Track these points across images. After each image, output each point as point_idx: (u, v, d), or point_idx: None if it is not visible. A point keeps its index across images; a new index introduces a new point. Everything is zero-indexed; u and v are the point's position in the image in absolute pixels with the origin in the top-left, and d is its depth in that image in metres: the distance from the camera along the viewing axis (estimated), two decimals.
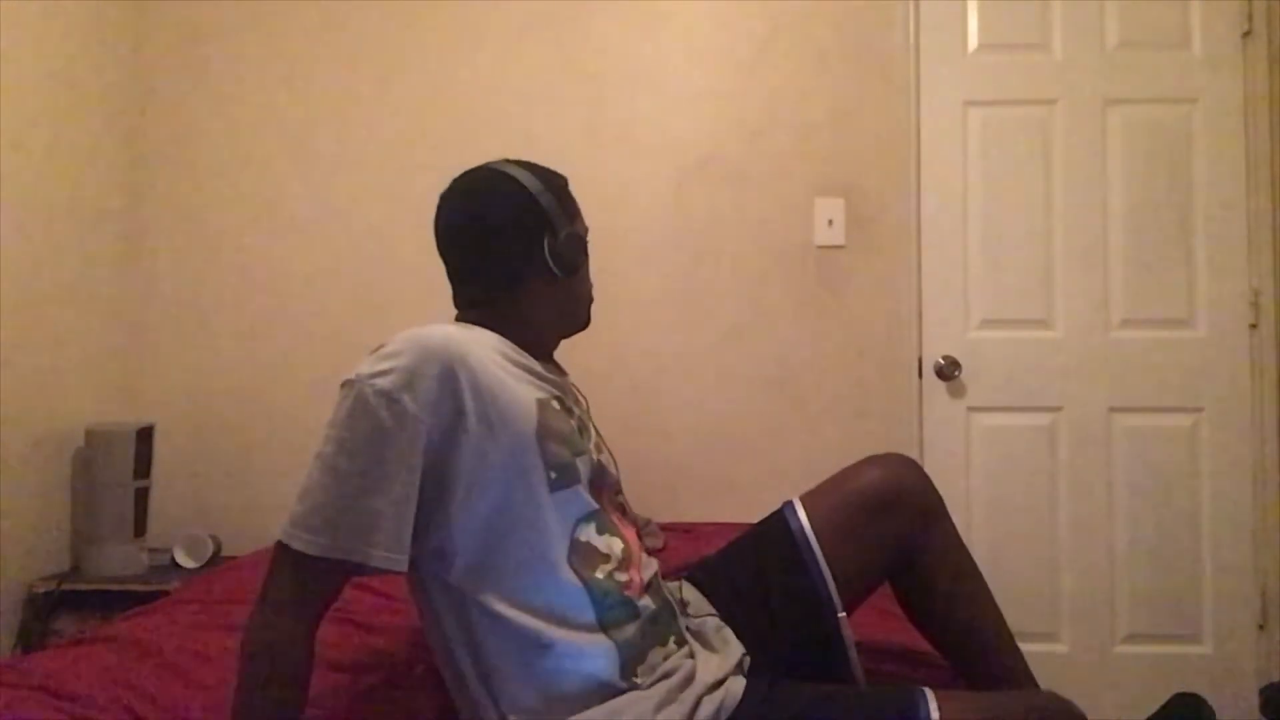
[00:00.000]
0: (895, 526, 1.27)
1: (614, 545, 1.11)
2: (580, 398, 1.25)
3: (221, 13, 2.56)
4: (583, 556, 1.07)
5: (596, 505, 1.11)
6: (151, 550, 2.31)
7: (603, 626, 1.06)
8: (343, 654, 1.31)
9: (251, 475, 2.49)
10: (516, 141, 2.49)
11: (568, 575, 1.05)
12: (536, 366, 1.14)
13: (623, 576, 1.09)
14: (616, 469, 1.22)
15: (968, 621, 1.29)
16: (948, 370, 2.45)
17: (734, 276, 2.52)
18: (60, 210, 2.27)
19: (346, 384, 1.04)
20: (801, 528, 1.26)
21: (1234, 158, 2.44)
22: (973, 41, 2.51)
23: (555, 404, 1.12)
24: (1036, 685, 1.28)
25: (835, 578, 1.23)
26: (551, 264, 1.17)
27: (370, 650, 1.34)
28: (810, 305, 2.50)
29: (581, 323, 1.27)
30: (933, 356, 2.47)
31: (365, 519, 0.99)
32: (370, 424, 1.00)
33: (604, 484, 1.16)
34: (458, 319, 1.21)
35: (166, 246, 2.55)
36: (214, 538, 2.35)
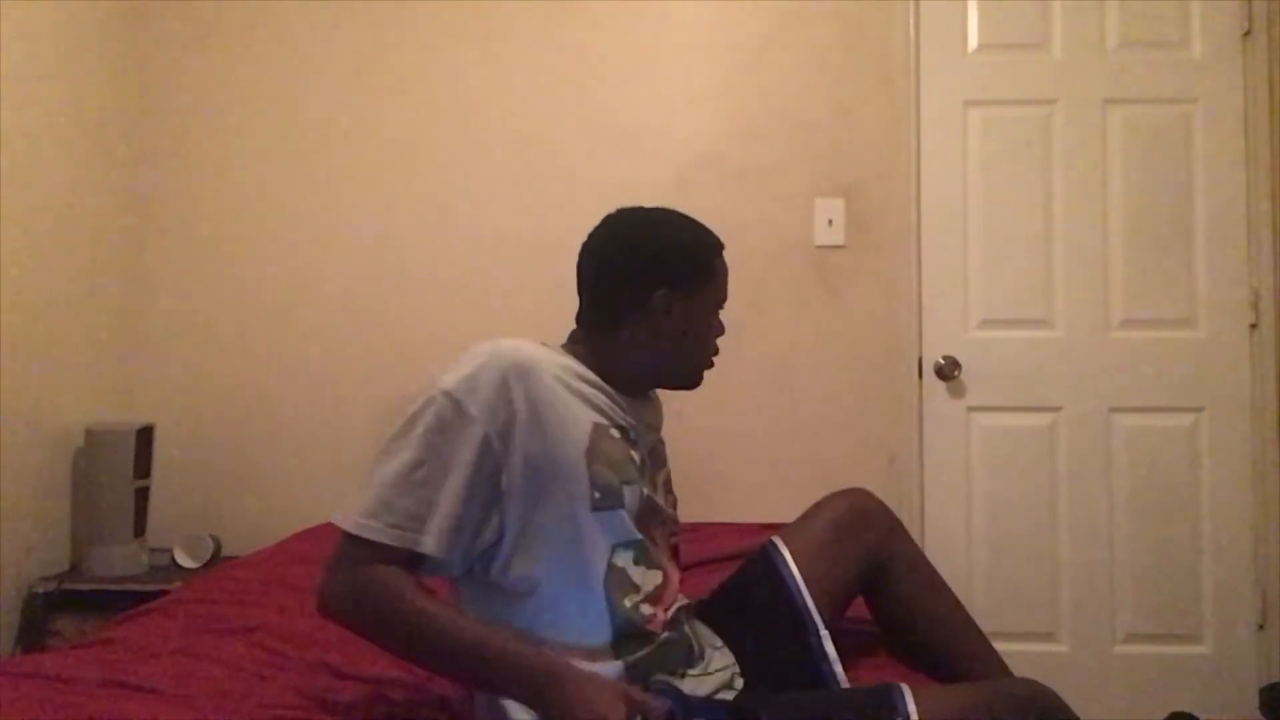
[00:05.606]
0: (864, 540, 1.39)
1: (649, 579, 1.14)
2: (658, 441, 1.31)
3: (222, 15, 2.56)
4: (615, 581, 1.10)
5: (640, 536, 1.14)
6: (151, 550, 2.31)
7: (615, 649, 1.09)
8: (374, 667, 1.31)
9: (251, 475, 2.48)
10: (517, 142, 2.49)
11: (596, 595, 1.09)
12: (603, 397, 1.16)
13: (648, 610, 1.12)
14: (675, 512, 1.27)
15: (937, 615, 1.40)
16: (948, 370, 2.45)
17: (734, 276, 2.50)
18: (61, 211, 2.27)
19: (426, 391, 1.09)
20: (788, 565, 1.34)
21: (1234, 158, 2.44)
22: (973, 41, 2.50)
23: (614, 432, 1.15)
24: (1010, 672, 1.36)
25: (815, 600, 1.31)
26: (651, 316, 1.20)
27: (399, 663, 1.33)
28: (810, 305, 2.50)
29: (686, 382, 1.29)
30: (933, 356, 2.47)
31: (421, 507, 1.03)
32: (434, 420, 1.05)
33: (654, 520, 1.19)
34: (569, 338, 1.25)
35: (166, 247, 2.55)
36: (214, 538, 2.35)
